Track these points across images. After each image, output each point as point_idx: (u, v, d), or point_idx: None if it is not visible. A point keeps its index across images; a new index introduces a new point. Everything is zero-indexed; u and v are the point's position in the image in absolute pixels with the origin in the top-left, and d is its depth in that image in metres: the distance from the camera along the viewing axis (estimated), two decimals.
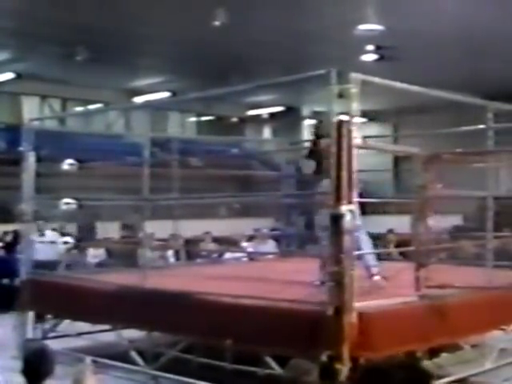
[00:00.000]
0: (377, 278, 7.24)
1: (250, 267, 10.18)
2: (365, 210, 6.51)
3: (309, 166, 7.55)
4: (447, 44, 15.32)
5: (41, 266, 8.91)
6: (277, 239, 12.94)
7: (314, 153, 7.58)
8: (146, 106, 16.99)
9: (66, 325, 8.28)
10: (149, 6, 13.45)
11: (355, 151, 5.57)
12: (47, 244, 10.38)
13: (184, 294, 6.89)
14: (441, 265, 7.24)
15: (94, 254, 12.90)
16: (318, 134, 7.37)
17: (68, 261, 11.68)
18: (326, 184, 6.96)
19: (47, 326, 8.41)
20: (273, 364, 5.98)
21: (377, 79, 6.13)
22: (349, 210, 5.47)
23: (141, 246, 8.45)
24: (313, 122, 7.86)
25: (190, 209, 13.98)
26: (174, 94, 20.12)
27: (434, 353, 6.98)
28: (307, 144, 8.28)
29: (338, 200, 5.48)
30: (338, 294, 5.42)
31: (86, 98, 22.13)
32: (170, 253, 12.44)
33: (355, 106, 5.58)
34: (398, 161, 22.17)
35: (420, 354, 6.26)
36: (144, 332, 7.35)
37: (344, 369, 5.24)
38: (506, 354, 7.47)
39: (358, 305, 5.49)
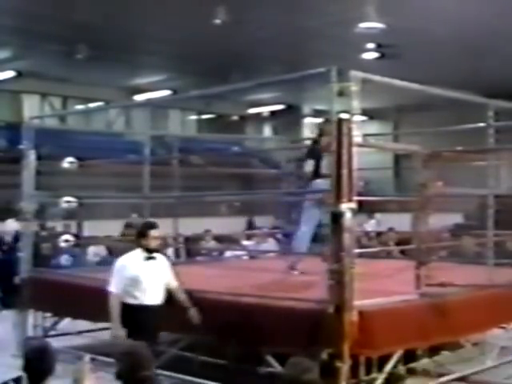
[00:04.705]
0: (295, 272, 7.81)
1: (251, 265, 10.18)
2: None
3: (309, 165, 7.69)
4: (447, 42, 15.32)
5: None
6: (277, 237, 12.94)
7: (314, 152, 7.72)
8: (147, 104, 17.03)
9: (66, 323, 8.28)
10: (149, 4, 13.45)
11: (355, 149, 5.57)
12: None
13: (184, 291, 6.89)
14: (441, 263, 7.26)
15: (95, 252, 12.90)
16: (323, 133, 7.47)
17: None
18: (321, 183, 7.16)
19: (47, 324, 8.41)
20: (273, 362, 5.99)
21: (377, 77, 6.12)
22: (349, 208, 5.47)
23: None
24: (319, 120, 7.94)
25: (190, 207, 13.98)
26: (175, 91, 20.12)
27: (434, 351, 6.99)
28: (308, 143, 8.41)
29: (339, 198, 5.48)
30: (338, 292, 5.42)
31: (87, 96, 22.13)
32: (170, 251, 12.43)
33: (355, 104, 5.57)
34: (398, 159, 22.18)
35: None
36: None
37: (344, 366, 5.25)
38: (507, 352, 7.49)
39: (359, 303, 5.49)
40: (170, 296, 6.29)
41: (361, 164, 5.68)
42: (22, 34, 15.60)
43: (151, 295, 6.14)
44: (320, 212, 7.46)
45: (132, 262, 6.20)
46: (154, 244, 6.22)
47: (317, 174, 7.49)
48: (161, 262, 6.35)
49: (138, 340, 5.49)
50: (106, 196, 14.41)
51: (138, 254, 6.24)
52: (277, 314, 6.01)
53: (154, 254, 6.25)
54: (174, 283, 6.36)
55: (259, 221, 18.43)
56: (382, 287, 6.81)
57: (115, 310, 6.04)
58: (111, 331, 6.03)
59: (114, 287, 6.16)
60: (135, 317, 5.98)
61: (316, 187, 7.39)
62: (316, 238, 7.71)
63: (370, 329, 5.52)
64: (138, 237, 6.30)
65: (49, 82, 20.62)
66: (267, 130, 27.20)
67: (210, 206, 17.95)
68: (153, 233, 6.21)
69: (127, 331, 5.91)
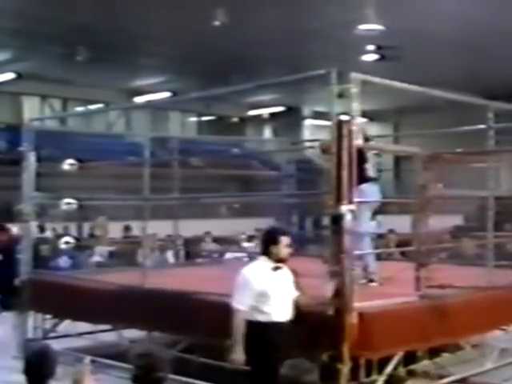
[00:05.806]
0: (374, 284, 7.11)
1: None
2: None
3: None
4: (447, 44, 15.32)
5: None
6: None
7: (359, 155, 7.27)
8: (147, 105, 17.07)
9: (67, 325, 8.28)
10: (149, 6, 13.46)
11: (355, 151, 5.57)
12: None
13: (184, 293, 6.89)
14: (441, 265, 7.25)
15: (99, 253, 12.93)
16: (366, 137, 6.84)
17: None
18: (366, 188, 6.88)
19: (47, 325, 8.40)
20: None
21: (377, 79, 6.13)
22: (349, 210, 5.46)
23: (141, 246, 8.45)
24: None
25: (190, 209, 13.99)
26: (175, 93, 20.13)
27: (434, 353, 6.99)
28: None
29: (339, 200, 5.47)
30: (338, 293, 5.41)
31: (87, 98, 22.15)
32: (170, 253, 12.44)
33: (355, 106, 5.57)
34: (398, 160, 22.20)
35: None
36: (144, 332, 7.35)
37: (344, 369, 5.25)
38: (507, 354, 7.47)
39: (359, 305, 5.48)
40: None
41: None
42: (22, 35, 15.61)
43: (281, 310, 5.37)
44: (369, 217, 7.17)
45: (259, 274, 5.39)
46: (285, 253, 5.41)
47: (362, 178, 6.44)
48: (286, 272, 5.52)
49: (267, 361, 5.03)
50: (106, 198, 14.40)
51: (264, 263, 5.45)
52: None
53: (281, 264, 5.45)
54: (296, 294, 5.54)
55: (260, 222, 18.37)
56: (382, 289, 6.81)
57: (240, 330, 5.28)
58: (232, 354, 5.32)
59: (240, 303, 5.35)
60: (264, 335, 5.25)
61: (363, 192, 6.45)
62: (316, 240, 7.60)
63: (370, 331, 5.51)
64: (266, 244, 5.48)
65: (49, 83, 20.63)
66: (267, 132, 27.19)
67: (210, 208, 17.96)
68: (285, 240, 5.42)
69: (255, 351, 5.21)
